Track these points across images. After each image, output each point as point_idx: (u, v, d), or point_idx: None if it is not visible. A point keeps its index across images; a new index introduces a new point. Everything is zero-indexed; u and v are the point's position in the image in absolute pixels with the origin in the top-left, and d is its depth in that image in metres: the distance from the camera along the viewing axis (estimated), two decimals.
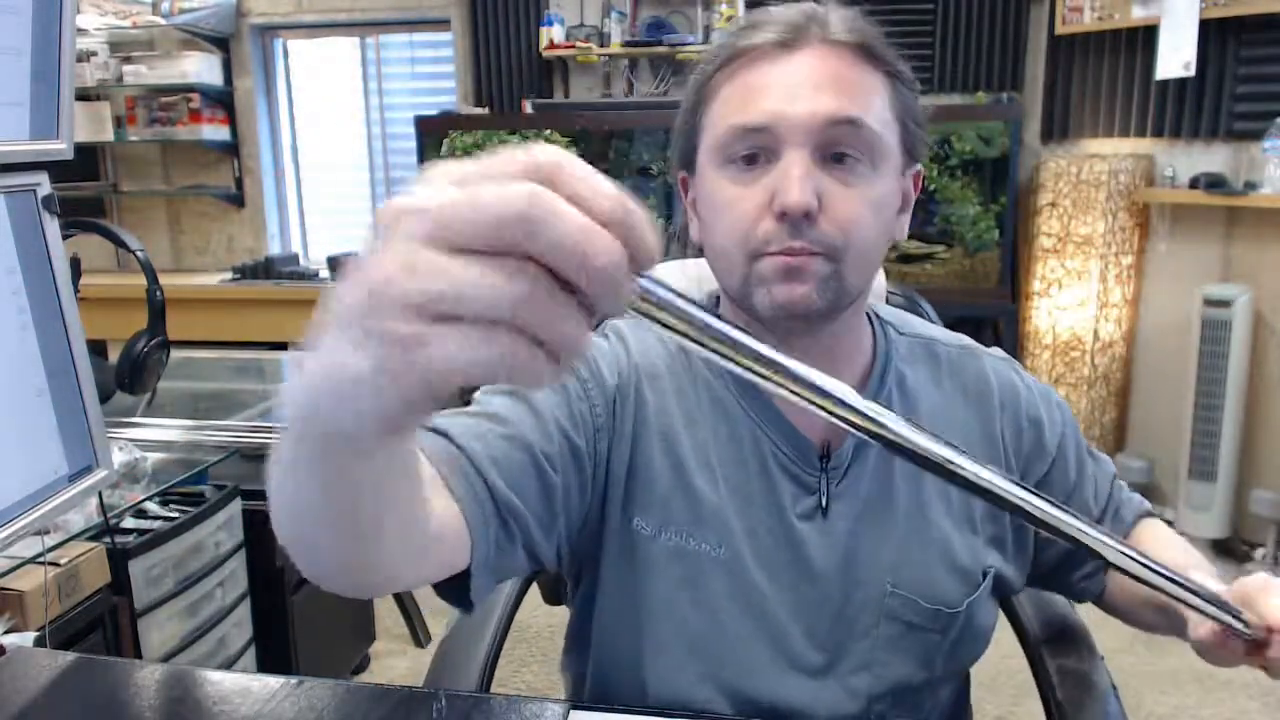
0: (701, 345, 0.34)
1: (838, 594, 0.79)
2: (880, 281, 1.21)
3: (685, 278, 1.03)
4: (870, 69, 0.74)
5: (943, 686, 0.85)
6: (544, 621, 2.42)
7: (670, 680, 0.81)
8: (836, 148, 0.72)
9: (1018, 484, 0.45)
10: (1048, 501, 0.46)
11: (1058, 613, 0.99)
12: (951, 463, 0.42)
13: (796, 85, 0.72)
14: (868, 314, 0.86)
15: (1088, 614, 0.97)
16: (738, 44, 0.75)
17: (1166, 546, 0.86)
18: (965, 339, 0.92)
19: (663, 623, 0.80)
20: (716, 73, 0.76)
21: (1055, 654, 0.93)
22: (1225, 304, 2.78)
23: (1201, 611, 0.60)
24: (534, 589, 1.13)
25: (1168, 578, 0.55)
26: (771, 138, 0.72)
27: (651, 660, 0.81)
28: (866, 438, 0.39)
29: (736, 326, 0.35)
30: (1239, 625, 0.63)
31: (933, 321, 1.04)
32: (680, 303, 0.34)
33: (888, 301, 1.17)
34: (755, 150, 0.73)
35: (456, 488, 0.65)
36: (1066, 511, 0.47)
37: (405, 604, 2.56)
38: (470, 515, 0.65)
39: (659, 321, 0.34)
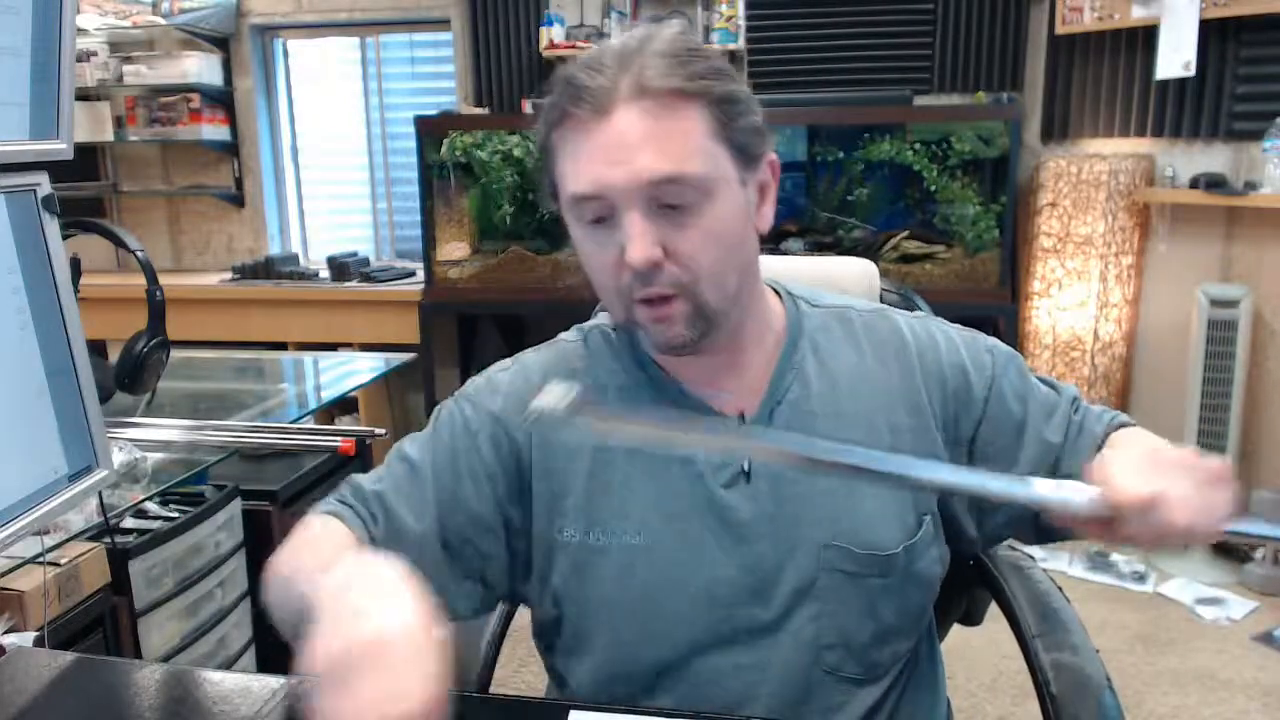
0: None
1: (775, 551, 0.84)
2: (874, 281, 1.21)
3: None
4: (685, 106, 0.76)
5: (897, 641, 0.88)
6: None
7: (626, 672, 0.85)
8: (665, 199, 0.76)
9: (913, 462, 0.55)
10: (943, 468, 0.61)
11: (1052, 606, 1.00)
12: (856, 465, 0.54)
13: (614, 149, 0.75)
14: (779, 291, 0.92)
15: (1088, 614, 0.97)
16: (564, 107, 0.78)
17: (1132, 444, 0.85)
18: (880, 305, 0.96)
19: (604, 619, 0.85)
20: (551, 133, 0.81)
21: (1050, 648, 0.94)
22: (1232, 304, 2.78)
23: (1040, 503, 0.72)
24: None
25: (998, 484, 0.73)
26: (605, 203, 0.77)
27: (605, 657, 0.86)
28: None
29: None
30: (1081, 506, 0.71)
31: None
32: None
33: (881, 299, 1.17)
34: (598, 214, 0.78)
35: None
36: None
37: None
38: None
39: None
